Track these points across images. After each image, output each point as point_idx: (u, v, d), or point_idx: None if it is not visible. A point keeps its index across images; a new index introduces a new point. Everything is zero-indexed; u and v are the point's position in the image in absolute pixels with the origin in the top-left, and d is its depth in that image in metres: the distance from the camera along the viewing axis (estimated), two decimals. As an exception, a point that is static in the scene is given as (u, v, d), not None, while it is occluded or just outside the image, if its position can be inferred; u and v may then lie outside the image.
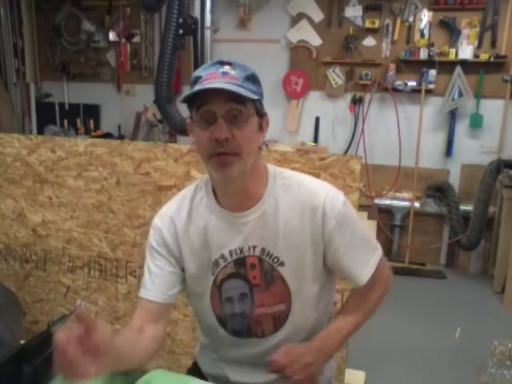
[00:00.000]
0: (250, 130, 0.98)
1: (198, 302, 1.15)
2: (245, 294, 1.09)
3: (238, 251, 1.07)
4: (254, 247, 1.07)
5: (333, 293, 1.23)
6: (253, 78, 1.01)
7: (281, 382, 1.07)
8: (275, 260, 1.07)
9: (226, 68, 0.98)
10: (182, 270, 1.12)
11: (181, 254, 1.10)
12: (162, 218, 1.12)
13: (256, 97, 0.98)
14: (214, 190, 1.10)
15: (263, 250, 1.07)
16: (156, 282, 1.09)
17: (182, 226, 1.10)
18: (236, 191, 1.05)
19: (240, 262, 1.08)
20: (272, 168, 1.11)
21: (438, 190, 3.99)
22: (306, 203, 1.06)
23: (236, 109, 0.96)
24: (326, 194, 1.07)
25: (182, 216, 1.10)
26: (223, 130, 0.95)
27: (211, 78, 0.96)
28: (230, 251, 1.07)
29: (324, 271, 1.13)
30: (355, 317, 1.14)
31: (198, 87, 0.95)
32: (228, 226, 1.07)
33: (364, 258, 1.11)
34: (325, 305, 1.18)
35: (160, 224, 1.12)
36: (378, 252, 1.14)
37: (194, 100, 0.98)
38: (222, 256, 1.08)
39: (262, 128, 1.04)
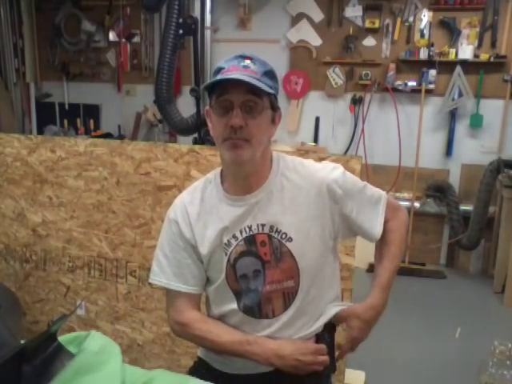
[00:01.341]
0: (262, 121, 1.07)
1: (214, 282, 1.19)
2: (258, 271, 1.14)
3: (248, 229, 1.13)
4: (263, 225, 1.13)
5: (338, 272, 1.27)
6: (270, 74, 1.09)
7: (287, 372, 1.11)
8: (283, 236, 1.13)
9: (247, 62, 1.07)
10: (201, 261, 1.18)
11: (196, 241, 1.17)
12: (176, 210, 1.20)
13: (272, 91, 1.07)
14: (222, 183, 1.17)
15: (272, 227, 1.13)
16: (186, 273, 1.17)
17: (194, 215, 1.17)
18: (246, 175, 1.12)
19: (250, 240, 1.14)
20: (275, 153, 1.20)
21: (438, 190, 3.99)
22: (309, 180, 1.15)
23: (252, 100, 1.04)
24: (326, 169, 1.17)
25: (195, 205, 1.18)
26: (239, 118, 1.03)
27: (233, 70, 1.05)
28: (241, 230, 1.14)
29: (331, 246, 1.19)
30: (393, 263, 1.23)
31: (219, 77, 1.04)
32: (237, 208, 1.14)
33: (373, 213, 1.21)
34: (331, 284, 1.22)
35: (174, 216, 1.19)
36: (382, 199, 1.23)
37: (215, 89, 1.06)
38: (234, 236, 1.14)
39: (274, 121, 1.13)
